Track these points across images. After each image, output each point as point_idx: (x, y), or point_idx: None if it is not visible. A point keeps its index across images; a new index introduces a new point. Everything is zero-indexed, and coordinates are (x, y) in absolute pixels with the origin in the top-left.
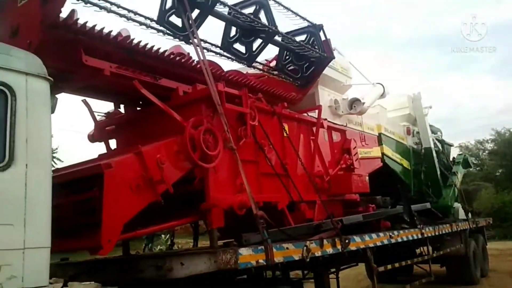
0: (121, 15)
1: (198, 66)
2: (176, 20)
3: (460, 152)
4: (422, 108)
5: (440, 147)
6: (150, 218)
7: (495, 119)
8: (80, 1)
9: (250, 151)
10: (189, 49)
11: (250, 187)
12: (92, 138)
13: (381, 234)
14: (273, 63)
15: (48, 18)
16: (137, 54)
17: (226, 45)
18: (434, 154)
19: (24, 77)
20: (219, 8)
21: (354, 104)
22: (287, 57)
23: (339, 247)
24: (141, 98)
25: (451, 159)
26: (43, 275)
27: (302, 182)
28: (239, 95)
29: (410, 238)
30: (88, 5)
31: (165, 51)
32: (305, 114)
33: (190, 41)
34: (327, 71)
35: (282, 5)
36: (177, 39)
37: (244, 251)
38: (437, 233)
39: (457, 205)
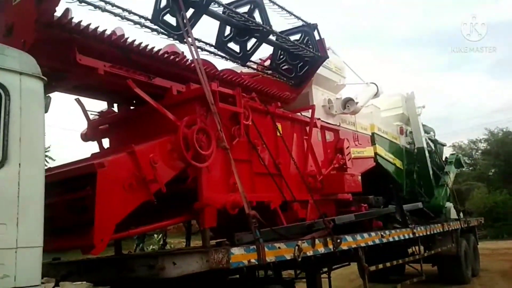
0: (115, 14)
1: (192, 65)
2: (170, 19)
3: (453, 152)
4: (415, 108)
5: (433, 147)
6: (143, 218)
7: (490, 119)
8: (74, 0)
9: (244, 150)
10: (183, 48)
11: (243, 187)
12: (85, 137)
13: (373, 234)
14: (267, 62)
15: (43, 17)
16: (131, 53)
17: (221, 44)
18: (427, 154)
19: (18, 77)
20: (213, 7)
21: (347, 103)
22: (281, 57)
23: (330, 246)
24: (135, 97)
25: (443, 158)
26: (36, 274)
27: (295, 182)
28: (233, 94)
29: (402, 237)
30: (83, 4)
31: (159, 50)
32: (299, 114)
33: (185, 40)
34: (321, 70)
35: (277, 4)
36: (172, 38)
37: (236, 251)
38: (428, 233)
39: (449, 204)
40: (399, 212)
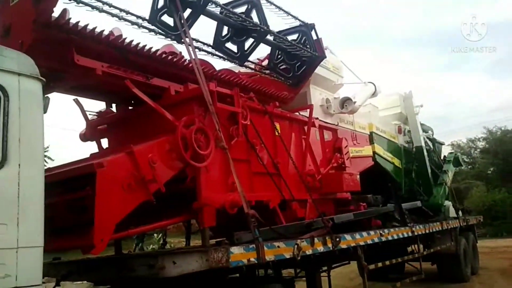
0: (113, 15)
1: (190, 65)
2: (168, 20)
3: (452, 151)
4: (413, 107)
5: (431, 146)
6: (142, 217)
7: (489, 117)
8: (72, 1)
9: (242, 150)
10: (181, 48)
11: (242, 186)
12: (84, 137)
13: (372, 233)
14: (265, 62)
15: (41, 17)
16: (129, 54)
17: (218, 44)
18: (425, 153)
19: (16, 78)
20: (211, 7)
21: (345, 103)
22: (279, 56)
23: (329, 245)
24: (133, 97)
25: (442, 157)
26: (37, 274)
27: (294, 181)
28: (231, 94)
29: (401, 236)
30: (80, 4)
31: (157, 50)
32: (297, 113)
33: (182, 40)
34: (318, 70)
35: (274, 4)
36: (169, 39)
37: (235, 250)
38: (427, 231)
39: (447, 203)
40: (397, 211)
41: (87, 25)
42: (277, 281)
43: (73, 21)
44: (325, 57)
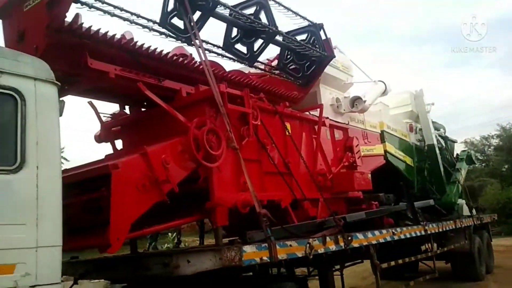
0: (124, 19)
1: (201, 67)
2: (178, 22)
3: (465, 148)
4: (425, 105)
5: (443, 144)
6: (157, 217)
7: (501, 114)
8: (84, 6)
9: (253, 150)
10: (191, 50)
11: (254, 186)
12: (99, 138)
13: (384, 231)
14: (275, 63)
15: (54, 22)
16: (140, 57)
17: (228, 46)
18: (437, 151)
19: (32, 82)
20: (220, 9)
21: (355, 102)
22: (288, 57)
23: (341, 244)
24: (146, 100)
25: (455, 155)
26: (56, 273)
27: (305, 180)
28: (241, 95)
29: (413, 235)
30: (92, 9)
31: (168, 53)
32: (307, 113)
33: (192, 42)
34: (328, 69)
35: (283, 5)
36: (180, 41)
37: (248, 249)
38: (440, 230)
39: (461, 201)
40: (410, 210)
41: (99, 29)
42: (290, 279)
43: (85, 25)
44: (334, 56)
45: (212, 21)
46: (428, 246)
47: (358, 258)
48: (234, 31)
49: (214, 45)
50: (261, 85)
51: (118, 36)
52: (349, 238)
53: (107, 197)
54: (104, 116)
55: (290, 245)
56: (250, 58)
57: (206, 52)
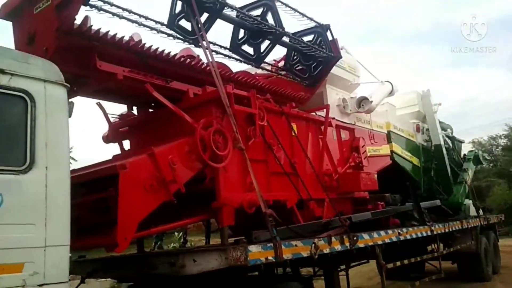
0: (132, 21)
1: (208, 68)
2: (185, 24)
3: (473, 148)
4: (432, 105)
5: (450, 144)
6: (163, 217)
7: (509, 114)
8: (93, 8)
9: (259, 150)
10: (198, 51)
11: (260, 186)
12: (107, 139)
13: (390, 231)
14: (281, 63)
15: (63, 25)
16: (148, 58)
17: (235, 47)
18: (444, 151)
19: (42, 84)
20: (227, 11)
21: (362, 102)
22: (295, 57)
23: (347, 244)
24: (153, 101)
25: (462, 155)
26: (64, 272)
27: (311, 181)
28: (248, 96)
29: (419, 235)
30: (101, 12)
31: (176, 54)
32: (314, 113)
33: (200, 44)
34: (334, 70)
35: (289, 6)
36: (187, 43)
37: (253, 248)
38: (447, 230)
39: (468, 202)
40: (416, 210)
41: (108, 31)
42: (295, 279)
43: (94, 28)
44: (341, 57)
45: (219, 22)
46: (434, 247)
47: (363, 258)
48: (241, 33)
49: (221, 46)
50: (267, 85)
51: (126, 38)
52: (355, 238)
53: (114, 197)
54: (112, 117)
55: (296, 245)
56: (257, 59)
57: (213, 53)
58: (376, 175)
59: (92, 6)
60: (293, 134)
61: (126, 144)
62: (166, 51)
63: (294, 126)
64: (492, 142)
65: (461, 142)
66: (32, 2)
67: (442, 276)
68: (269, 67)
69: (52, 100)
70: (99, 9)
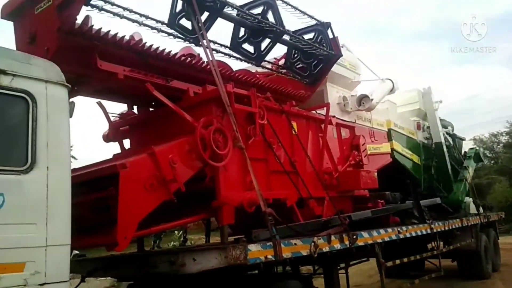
0: (133, 20)
1: (208, 67)
2: (186, 23)
3: (473, 146)
4: (432, 103)
5: (451, 142)
6: (164, 216)
7: (510, 111)
8: (94, 8)
9: (259, 149)
10: (199, 50)
11: (259, 185)
12: (107, 138)
13: (389, 230)
14: (282, 61)
15: (65, 25)
16: (149, 57)
17: (235, 46)
18: (445, 149)
19: (43, 85)
20: (227, 10)
21: (362, 100)
22: (296, 56)
23: (346, 242)
24: (154, 100)
25: (463, 153)
26: (64, 271)
27: (311, 179)
28: (248, 95)
29: (419, 233)
30: (102, 11)
31: (176, 53)
32: (314, 112)
33: (200, 43)
34: (335, 68)
35: (290, 5)
36: (187, 42)
37: (253, 247)
38: (447, 228)
39: (468, 199)
40: (416, 208)
41: (109, 31)
42: (295, 278)
43: (95, 27)
44: (342, 55)
45: (219, 21)
46: (434, 244)
47: (363, 256)
48: (242, 31)
49: (221, 45)
50: (268, 84)
51: (127, 37)
52: (354, 236)
53: (115, 196)
54: (112, 116)
55: (295, 244)
56: (257, 58)
57: (214, 52)
58: (376, 173)
59: (93, 6)
60: (293, 132)
61: (127, 143)
62: (166, 50)
63: (294, 124)
64: (493, 139)
65: (462, 139)
66: (33, 2)
67: (442, 274)
68: (269, 66)
69: (53, 101)
70: (100, 9)
